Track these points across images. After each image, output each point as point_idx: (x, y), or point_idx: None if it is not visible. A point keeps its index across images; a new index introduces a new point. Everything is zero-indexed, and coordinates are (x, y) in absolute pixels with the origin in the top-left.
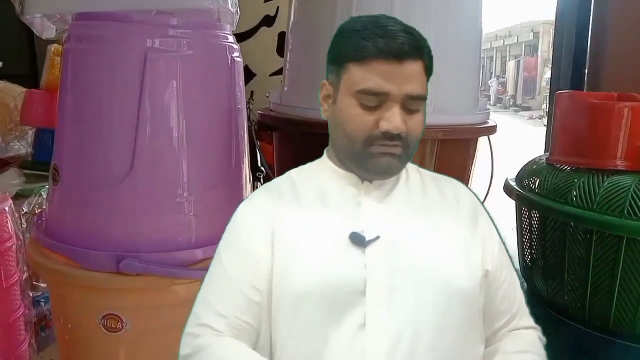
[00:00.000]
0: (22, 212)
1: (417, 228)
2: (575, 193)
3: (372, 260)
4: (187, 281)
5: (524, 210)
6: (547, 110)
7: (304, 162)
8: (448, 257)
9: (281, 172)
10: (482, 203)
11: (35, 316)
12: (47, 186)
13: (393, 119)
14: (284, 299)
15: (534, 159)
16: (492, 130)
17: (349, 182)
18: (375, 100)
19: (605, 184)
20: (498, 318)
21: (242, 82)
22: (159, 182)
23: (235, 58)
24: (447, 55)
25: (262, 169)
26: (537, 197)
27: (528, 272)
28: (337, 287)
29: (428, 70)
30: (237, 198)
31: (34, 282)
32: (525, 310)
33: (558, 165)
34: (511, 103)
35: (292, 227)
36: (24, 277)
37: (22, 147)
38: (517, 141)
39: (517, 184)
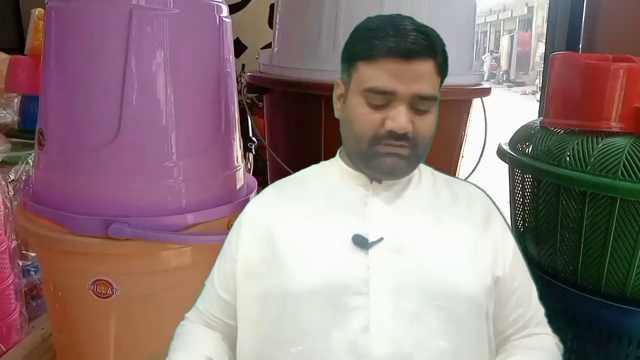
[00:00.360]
0: (9, 180)
1: (424, 231)
2: (568, 155)
3: (374, 262)
4: (178, 246)
5: (517, 174)
6: (540, 85)
7: (294, 125)
8: (455, 261)
9: (271, 137)
10: (499, 209)
11: (25, 286)
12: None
13: (398, 119)
14: (285, 298)
15: (527, 124)
16: (486, 92)
17: (358, 182)
18: (382, 99)
19: (600, 145)
20: (509, 326)
21: (231, 45)
22: (146, 145)
23: (223, 18)
24: (439, 13)
25: (254, 139)
26: (531, 160)
27: (520, 237)
28: (339, 287)
29: (442, 70)
30: (227, 163)
31: (23, 252)
32: (541, 320)
33: (552, 129)
34: (504, 78)
35: (295, 226)
36: (13, 245)
37: (8, 115)
38: (509, 116)
39: (510, 148)
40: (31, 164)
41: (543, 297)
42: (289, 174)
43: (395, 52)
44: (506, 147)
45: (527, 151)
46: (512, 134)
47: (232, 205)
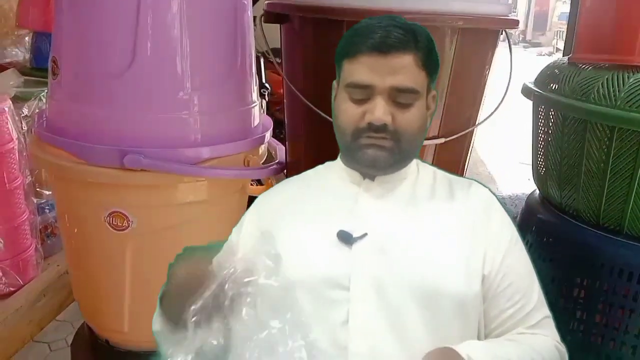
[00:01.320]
0: (22, 115)
1: (411, 228)
2: (597, 91)
3: (357, 257)
4: (193, 179)
5: (542, 112)
6: (557, 46)
7: (312, 55)
8: (441, 260)
9: (288, 71)
10: (504, 205)
11: (40, 224)
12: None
13: (375, 111)
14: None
15: (554, 62)
16: (514, 23)
17: (352, 179)
18: (361, 93)
19: (631, 80)
20: (499, 326)
21: None
22: (161, 76)
23: None
24: None
25: (267, 86)
26: (557, 96)
27: (542, 180)
28: (322, 282)
29: (427, 64)
30: (243, 98)
31: (37, 189)
32: (539, 321)
33: (580, 65)
34: (520, 38)
35: (291, 224)
36: (28, 182)
37: (19, 52)
38: (523, 76)
39: (536, 86)
40: (44, 101)
41: (563, 237)
42: (306, 106)
43: (372, 47)
44: (531, 85)
45: (553, 88)
46: (538, 72)
47: (248, 142)
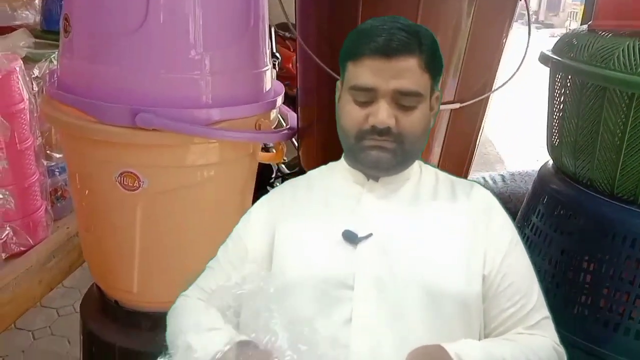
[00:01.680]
0: (33, 76)
1: (414, 228)
2: (617, 57)
3: (362, 257)
4: (204, 141)
5: (559, 80)
6: (570, 27)
7: (327, 16)
8: (444, 260)
9: (302, 33)
10: (504, 208)
11: (50, 186)
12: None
13: (379, 114)
14: (278, 288)
15: (573, 30)
16: None
17: (356, 180)
18: (365, 96)
19: None
20: (499, 325)
21: None
22: (174, 35)
23: None
24: None
25: (278, 55)
26: (576, 63)
27: (556, 149)
28: (326, 281)
29: (430, 67)
30: (256, 61)
31: (48, 152)
32: (538, 322)
33: (599, 32)
34: (533, 19)
35: (295, 224)
36: (38, 143)
37: (30, 14)
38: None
39: (554, 53)
40: (55, 63)
41: (576, 208)
42: (320, 69)
43: (376, 51)
44: (549, 53)
45: (572, 55)
46: (556, 41)
47: (260, 105)
